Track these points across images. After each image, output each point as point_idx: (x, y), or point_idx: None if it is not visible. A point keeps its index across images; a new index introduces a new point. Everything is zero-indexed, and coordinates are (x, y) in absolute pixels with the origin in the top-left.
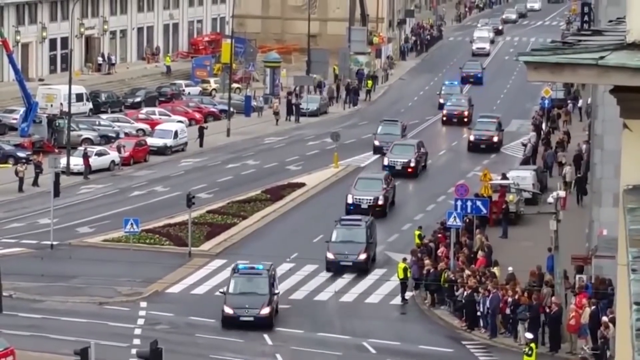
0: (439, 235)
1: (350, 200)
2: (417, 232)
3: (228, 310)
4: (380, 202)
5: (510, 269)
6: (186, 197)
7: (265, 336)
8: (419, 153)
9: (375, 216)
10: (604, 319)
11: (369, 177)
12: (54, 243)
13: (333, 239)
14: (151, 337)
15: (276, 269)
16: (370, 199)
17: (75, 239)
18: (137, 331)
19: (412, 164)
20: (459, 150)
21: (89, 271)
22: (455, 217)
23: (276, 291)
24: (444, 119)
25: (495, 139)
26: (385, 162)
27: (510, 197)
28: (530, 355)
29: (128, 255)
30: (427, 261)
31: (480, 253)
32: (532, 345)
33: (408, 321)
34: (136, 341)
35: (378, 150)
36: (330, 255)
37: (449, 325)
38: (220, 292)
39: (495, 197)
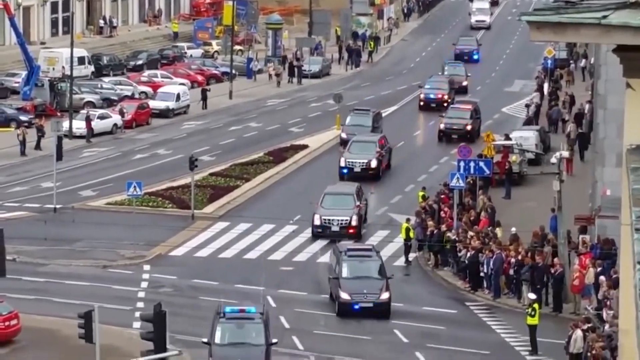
0: (442, 196)
1: (343, 164)
2: (420, 193)
3: None
4: (373, 165)
5: (513, 229)
6: (189, 159)
7: (269, 298)
8: (380, 152)
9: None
10: (601, 277)
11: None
12: (57, 206)
13: (344, 274)
14: (155, 299)
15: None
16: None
17: (78, 203)
18: (141, 294)
19: (373, 164)
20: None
21: (92, 234)
22: (458, 178)
23: (273, 340)
24: (421, 103)
25: (469, 127)
26: (342, 163)
27: (513, 157)
28: (533, 316)
29: (131, 219)
30: (430, 222)
31: (483, 214)
32: (536, 305)
33: (411, 282)
34: (140, 304)
35: (345, 143)
36: (345, 296)
37: (453, 286)
38: (204, 342)
39: (498, 157)
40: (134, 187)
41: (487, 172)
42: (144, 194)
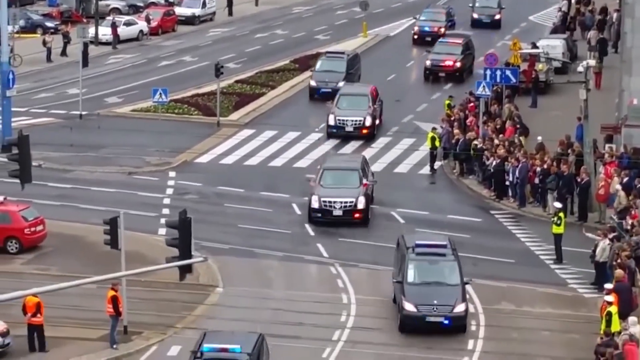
0: (469, 104)
1: (332, 122)
2: (447, 102)
3: None
4: (367, 124)
5: (539, 138)
6: (214, 67)
7: (294, 205)
8: (373, 107)
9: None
10: (617, 187)
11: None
12: (83, 113)
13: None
14: (180, 206)
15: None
16: (357, 120)
17: (103, 109)
18: (166, 201)
19: (368, 123)
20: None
21: (117, 141)
22: (484, 86)
23: None
24: (415, 37)
25: (458, 64)
26: (331, 122)
27: (540, 66)
28: (559, 225)
29: (156, 125)
30: (456, 130)
31: (509, 122)
32: (561, 214)
33: (437, 191)
34: (165, 210)
35: (314, 91)
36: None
37: (478, 194)
38: None
39: (524, 66)
40: (160, 94)
41: (514, 80)
42: (169, 100)
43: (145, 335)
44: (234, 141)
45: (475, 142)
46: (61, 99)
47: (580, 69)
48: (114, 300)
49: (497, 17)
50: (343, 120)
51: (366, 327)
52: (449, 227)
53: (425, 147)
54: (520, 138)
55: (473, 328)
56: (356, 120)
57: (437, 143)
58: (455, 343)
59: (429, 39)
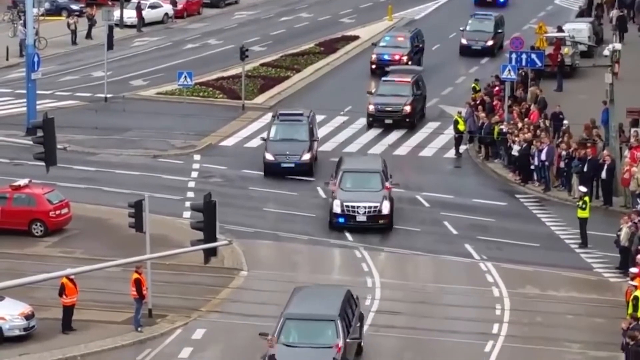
0: (494, 88)
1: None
2: (473, 85)
3: None
4: (407, 111)
5: (565, 122)
6: (240, 50)
7: (319, 189)
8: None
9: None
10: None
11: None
12: (108, 96)
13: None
14: (205, 189)
15: None
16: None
17: (128, 92)
18: (191, 184)
19: (408, 109)
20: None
21: (142, 124)
22: (510, 70)
23: None
24: (373, 66)
25: (408, 108)
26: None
27: (565, 49)
28: (584, 209)
29: (181, 108)
30: (481, 114)
31: (534, 106)
32: (586, 198)
33: (462, 175)
34: (190, 194)
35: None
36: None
37: (503, 178)
38: None
39: (550, 49)
40: (185, 76)
41: (539, 64)
42: (194, 83)
43: (169, 319)
44: (258, 124)
45: (501, 126)
46: (86, 82)
47: (606, 52)
48: (138, 283)
49: (490, 43)
50: (352, 206)
51: (390, 311)
52: (473, 210)
53: (451, 131)
54: (546, 122)
55: (498, 312)
56: (370, 207)
57: (461, 127)
58: (480, 327)
59: (388, 69)
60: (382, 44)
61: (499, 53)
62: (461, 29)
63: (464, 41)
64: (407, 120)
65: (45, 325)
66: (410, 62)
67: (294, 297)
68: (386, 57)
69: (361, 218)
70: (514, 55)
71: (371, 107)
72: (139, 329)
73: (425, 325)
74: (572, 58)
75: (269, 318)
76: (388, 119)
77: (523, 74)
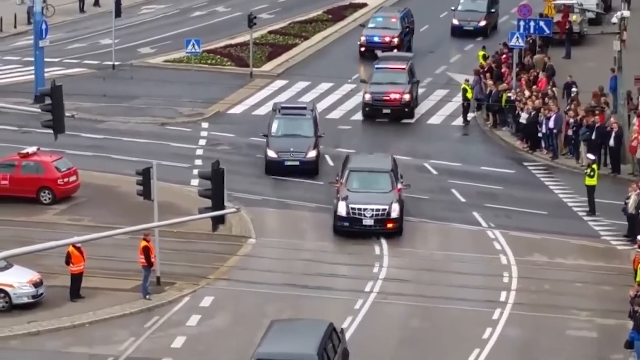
0: (502, 55)
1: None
2: (480, 53)
3: None
4: (407, 99)
5: (574, 90)
6: (247, 17)
7: (327, 157)
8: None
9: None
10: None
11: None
12: (116, 63)
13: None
14: (213, 157)
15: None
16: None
17: (136, 60)
18: (199, 151)
19: (407, 98)
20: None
21: (150, 92)
22: (518, 37)
23: None
24: (362, 49)
25: (407, 97)
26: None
27: (573, 17)
28: (592, 177)
29: (189, 76)
30: (489, 82)
31: (542, 74)
32: (594, 166)
33: (469, 142)
34: (198, 161)
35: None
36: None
37: (511, 146)
38: None
39: (558, 17)
40: (193, 44)
41: (547, 31)
42: (202, 51)
43: (178, 286)
44: (266, 92)
45: (509, 94)
46: (94, 50)
47: (614, 20)
48: (146, 251)
49: (482, 23)
50: (358, 209)
51: (398, 279)
52: (481, 178)
53: (458, 98)
54: (554, 89)
55: (505, 280)
56: (377, 210)
57: (469, 95)
58: (487, 294)
59: (379, 52)
60: (371, 25)
61: (492, 34)
62: (452, 8)
63: (455, 21)
64: (407, 109)
65: (53, 293)
66: (401, 45)
67: (268, 333)
68: (376, 39)
69: (368, 222)
70: (522, 23)
71: (367, 97)
72: (147, 296)
73: (432, 293)
74: (581, 25)
75: (277, 286)
76: (386, 108)
77: (531, 41)
